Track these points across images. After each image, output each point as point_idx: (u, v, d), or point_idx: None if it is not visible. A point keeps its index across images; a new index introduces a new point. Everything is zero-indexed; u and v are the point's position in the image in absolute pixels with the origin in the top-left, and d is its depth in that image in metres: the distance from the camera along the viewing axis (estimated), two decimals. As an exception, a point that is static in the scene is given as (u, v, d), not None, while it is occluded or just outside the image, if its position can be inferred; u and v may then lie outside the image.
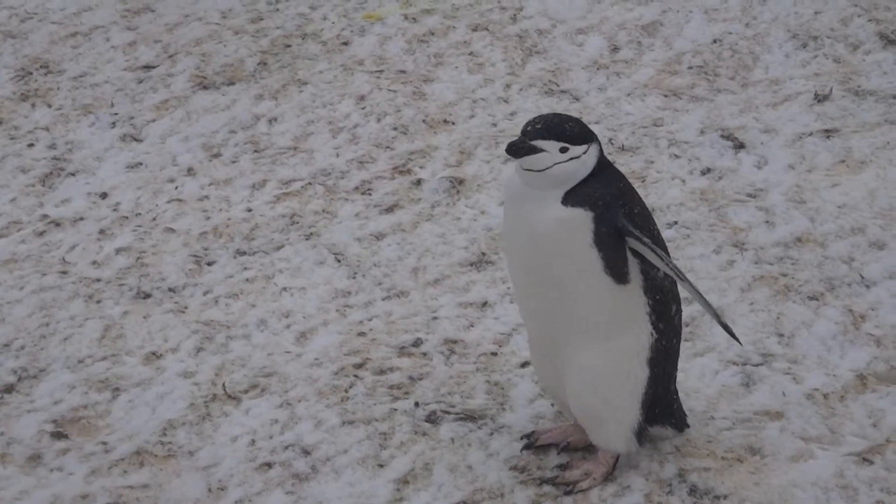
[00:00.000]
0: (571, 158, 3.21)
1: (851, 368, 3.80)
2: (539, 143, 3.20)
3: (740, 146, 4.81)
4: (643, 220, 3.26)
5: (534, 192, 3.24)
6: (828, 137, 4.81)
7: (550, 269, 3.25)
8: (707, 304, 3.22)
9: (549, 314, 3.32)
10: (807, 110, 4.97)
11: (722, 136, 4.87)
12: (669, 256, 3.31)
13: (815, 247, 4.29)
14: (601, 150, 3.27)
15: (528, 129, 3.23)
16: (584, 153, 3.22)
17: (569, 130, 3.22)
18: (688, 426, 3.55)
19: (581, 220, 3.21)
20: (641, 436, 3.43)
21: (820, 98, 5.01)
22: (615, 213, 3.21)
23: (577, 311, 3.28)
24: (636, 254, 3.24)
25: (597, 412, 3.39)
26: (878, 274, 4.15)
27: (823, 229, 4.36)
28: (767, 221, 4.42)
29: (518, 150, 3.22)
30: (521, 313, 3.51)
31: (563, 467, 3.52)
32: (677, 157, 4.79)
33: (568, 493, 3.45)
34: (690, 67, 5.30)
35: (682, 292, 3.37)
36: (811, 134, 4.84)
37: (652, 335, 3.33)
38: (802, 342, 3.91)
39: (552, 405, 3.70)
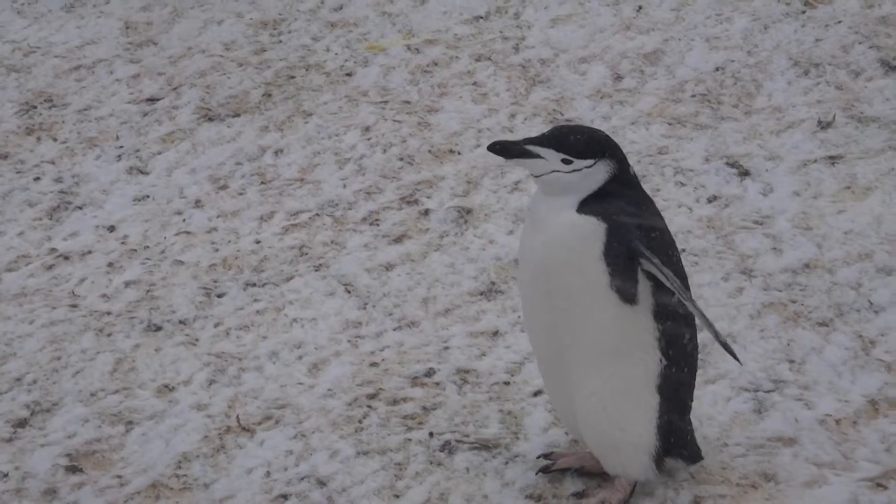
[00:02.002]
0: (574, 171, 3.23)
1: (863, 394, 3.82)
2: (534, 148, 3.25)
3: (745, 173, 4.83)
4: (661, 245, 3.26)
5: (551, 200, 3.27)
6: (832, 164, 4.84)
7: (559, 277, 3.25)
8: (708, 323, 3.19)
9: (557, 329, 3.31)
10: (810, 137, 4.99)
11: (727, 164, 4.89)
12: (687, 281, 3.32)
13: (823, 273, 4.31)
14: (621, 169, 3.28)
15: (533, 135, 3.26)
16: (589, 167, 3.24)
17: (573, 142, 3.25)
18: (701, 458, 3.53)
19: (592, 229, 3.22)
20: (660, 463, 3.43)
21: (823, 125, 5.04)
22: (629, 232, 3.21)
23: (583, 326, 3.27)
24: (651, 277, 3.24)
25: (609, 439, 3.38)
26: (887, 299, 4.16)
27: (831, 255, 4.38)
28: (775, 248, 4.44)
29: (503, 150, 3.25)
30: (528, 334, 3.51)
31: (579, 496, 3.52)
32: (683, 184, 4.81)
33: (584, 522, 3.46)
34: (693, 95, 5.32)
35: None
36: (815, 161, 4.86)
37: (661, 362, 3.33)
38: (813, 368, 3.93)
39: (566, 434, 3.71)
